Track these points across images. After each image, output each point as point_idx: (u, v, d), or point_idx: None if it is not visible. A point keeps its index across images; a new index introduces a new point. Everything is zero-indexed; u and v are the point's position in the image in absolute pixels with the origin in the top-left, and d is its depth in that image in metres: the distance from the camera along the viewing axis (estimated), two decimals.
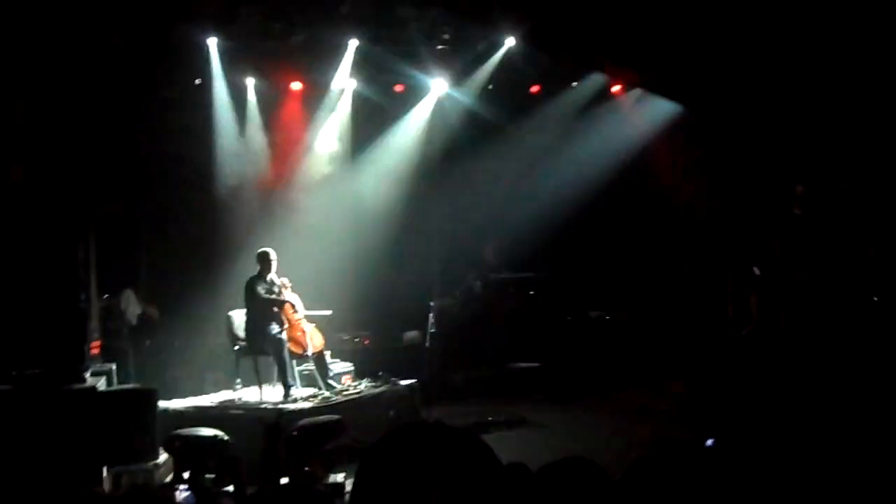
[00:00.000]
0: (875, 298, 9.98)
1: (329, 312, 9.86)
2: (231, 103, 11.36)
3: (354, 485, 2.23)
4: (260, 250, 9.47)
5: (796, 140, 11.59)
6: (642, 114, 12.89)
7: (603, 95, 12.93)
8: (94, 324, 8.88)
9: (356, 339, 11.35)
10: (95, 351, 8.68)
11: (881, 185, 10.75)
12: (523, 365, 11.96)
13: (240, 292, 9.42)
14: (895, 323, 9.42)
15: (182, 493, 6.63)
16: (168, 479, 7.30)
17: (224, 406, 9.02)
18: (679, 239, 12.91)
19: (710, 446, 3.95)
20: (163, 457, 7.54)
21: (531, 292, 12.45)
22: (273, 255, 9.40)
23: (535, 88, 12.80)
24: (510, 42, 11.61)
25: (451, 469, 2.20)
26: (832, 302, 10.13)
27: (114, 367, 8.54)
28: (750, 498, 3.25)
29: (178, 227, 11.37)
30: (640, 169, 13.05)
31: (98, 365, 8.34)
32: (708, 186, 12.64)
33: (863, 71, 10.62)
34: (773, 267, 11.07)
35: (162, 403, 8.30)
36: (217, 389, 9.79)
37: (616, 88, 13.00)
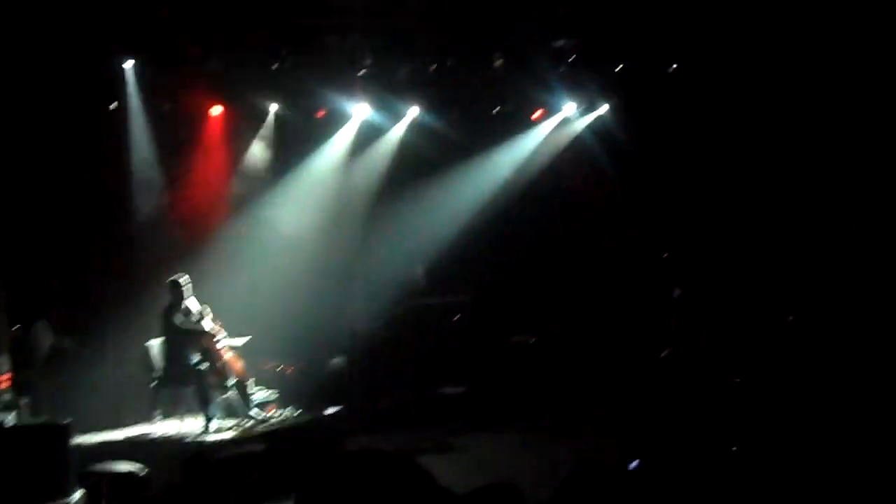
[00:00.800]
0: (790, 318, 10.27)
1: (248, 338, 9.67)
2: (148, 128, 11.12)
3: None
4: (170, 279, 9.26)
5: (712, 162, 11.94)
6: (563, 136, 13.12)
7: (523, 120, 13.11)
8: (4, 356, 8.55)
9: (279, 367, 11.16)
10: (5, 384, 8.34)
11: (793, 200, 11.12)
12: (450, 390, 11.93)
13: (156, 321, 9.20)
14: (816, 341, 9.69)
15: None
16: None
17: (142, 439, 8.77)
18: (600, 261, 13.11)
19: (633, 468, 3.98)
20: (77, 493, 7.25)
21: (456, 317, 12.44)
22: (184, 282, 9.20)
23: (456, 114, 12.89)
24: (432, 68, 11.66)
25: (391, 496, 2.16)
26: (749, 323, 10.38)
27: (25, 400, 8.22)
28: None
29: (94, 255, 11.03)
30: (561, 191, 13.27)
31: (8, 398, 8.02)
32: (626, 208, 12.91)
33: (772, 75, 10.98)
34: (693, 289, 11.30)
35: (77, 438, 8.02)
36: (135, 422, 9.52)
37: (536, 114, 13.20)
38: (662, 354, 11.41)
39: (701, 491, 3.60)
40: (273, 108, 11.92)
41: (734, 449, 5.34)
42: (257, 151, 12.10)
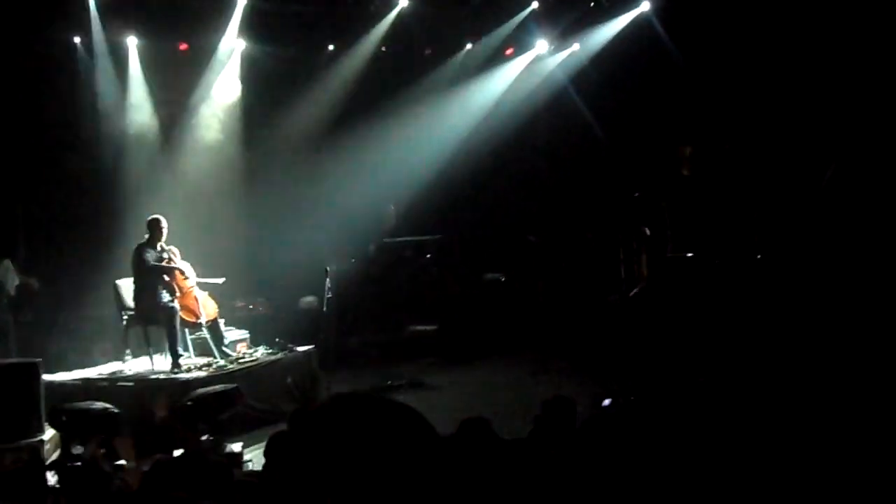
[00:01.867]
0: (759, 257, 10.35)
1: (222, 280, 9.63)
2: (113, 63, 10.87)
3: (267, 457, 2.16)
4: (151, 217, 9.14)
5: (684, 100, 11.90)
6: (535, 75, 13.03)
7: (496, 57, 12.99)
8: None
9: (251, 306, 11.14)
10: None
11: (767, 146, 11.13)
12: (422, 328, 12.00)
13: (126, 260, 9.10)
14: (780, 281, 9.78)
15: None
16: (55, 455, 7.03)
17: (113, 378, 8.73)
18: (571, 199, 13.13)
19: (606, 406, 4.04)
20: (49, 432, 7.24)
21: (427, 255, 12.45)
22: (164, 223, 9.10)
23: (428, 50, 12.75)
24: (403, 3, 11.50)
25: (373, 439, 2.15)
26: (719, 262, 10.45)
27: None
28: (647, 456, 3.33)
29: (59, 193, 10.87)
30: (532, 130, 13.23)
31: None
32: (597, 146, 12.90)
33: (752, 34, 10.94)
34: (663, 227, 11.35)
35: (47, 377, 7.96)
36: (106, 361, 9.48)
37: (509, 51, 13.08)
38: (632, 293, 11.51)
39: (673, 426, 3.66)
40: (241, 44, 11.66)
41: (701, 380, 5.42)
42: (225, 89, 11.86)
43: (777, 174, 10.81)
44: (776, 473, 3.85)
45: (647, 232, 11.67)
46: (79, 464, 6.35)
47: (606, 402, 3.96)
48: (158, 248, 9.07)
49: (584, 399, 5.08)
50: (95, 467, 6.03)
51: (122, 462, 6.30)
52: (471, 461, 2.96)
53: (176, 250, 9.21)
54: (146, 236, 9.05)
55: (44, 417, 7.22)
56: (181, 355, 8.85)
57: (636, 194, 11.78)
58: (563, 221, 13.04)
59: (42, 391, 7.41)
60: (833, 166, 9.28)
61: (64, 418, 6.94)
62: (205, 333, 9.28)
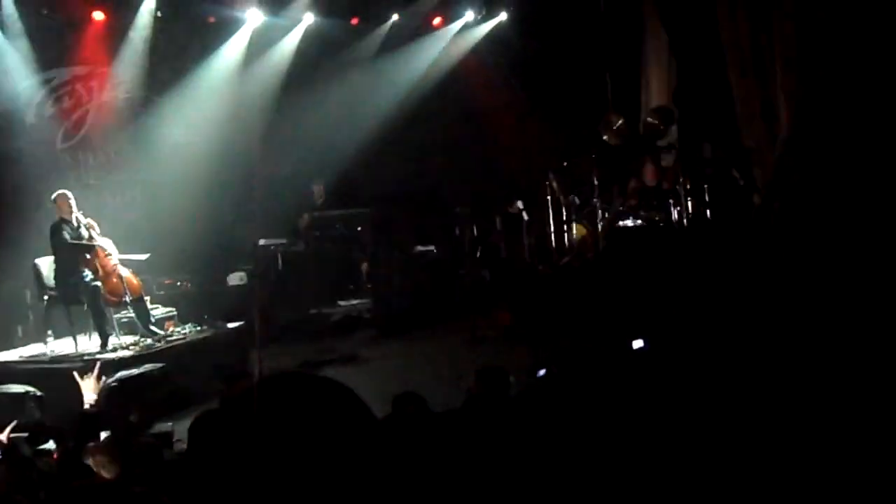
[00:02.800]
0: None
1: (146, 256, 9.39)
2: (24, 35, 10.43)
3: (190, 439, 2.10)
4: (56, 193, 8.85)
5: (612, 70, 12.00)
6: (462, 44, 13.00)
7: (423, 27, 12.91)
8: None
9: (178, 283, 10.90)
10: None
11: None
12: (353, 302, 11.93)
13: (44, 238, 8.82)
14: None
15: None
16: None
17: (35, 360, 8.49)
18: (499, 169, 13.18)
19: (541, 377, 4.05)
20: None
21: (359, 228, 12.35)
22: (70, 196, 8.82)
23: (355, 20, 12.59)
24: None
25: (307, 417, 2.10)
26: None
27: None
28: (580, 427, 3.34)
29: None
30: (461, 101, 13.21)
31: None
32: (526, 117, 12.95)
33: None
34: (590, 196, 11.45)
35: None
36: (27, 343, 9.21)
37: (437, 20, 13.00)
38: (562, 262, 11.62)
39: (604, 396, 3.69)
40: (158, 13, 11.32)
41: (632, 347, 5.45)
42: (144, 59, 11.50)
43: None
44: (710, 441, 3.91)
45: (576, 201, 11.79)
46: None
47: (541, 372, 3.96)
48: (75, 223, 8.79)
49: (517, 370, 5.08)
50: (15, 452, 5.85)
51: (47, 446, 6.12)
52: (404, 437, 2.92)
53: (94, 224, 8.94)
54: (56, 214, 8.78)
55: None
56: (108, 335, 8.65)
57: (565, 163, 11.89)
58: (492, 193, 13.08)
59: None
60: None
61: None
62: (130, 312, 9.06)
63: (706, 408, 4.14)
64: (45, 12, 10.67)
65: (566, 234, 11.93)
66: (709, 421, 3.99)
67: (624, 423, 3.59)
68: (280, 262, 11.69)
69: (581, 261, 11.29)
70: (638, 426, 3.63)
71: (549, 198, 11.94)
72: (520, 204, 12.00)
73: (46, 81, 10.84)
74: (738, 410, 4.21)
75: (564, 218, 11.92)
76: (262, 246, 11.54)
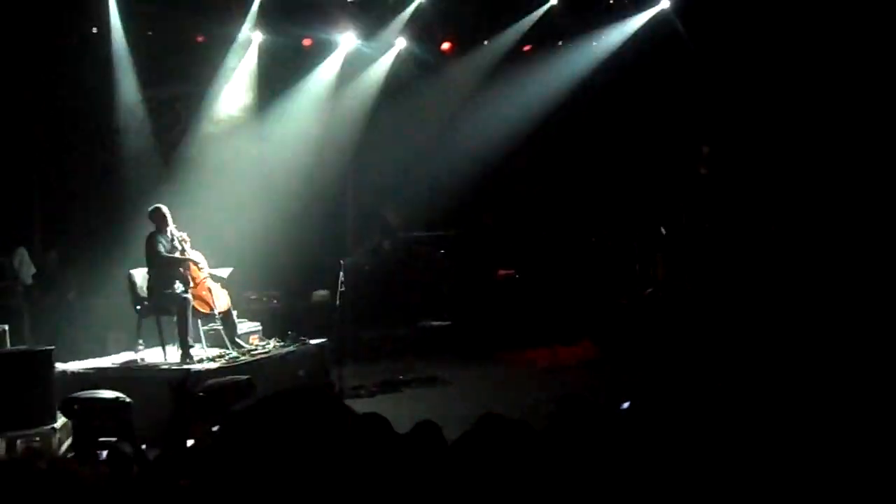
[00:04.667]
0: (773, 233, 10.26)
1: (228, 272, 9.56)
2: (131, 54, 10.87)
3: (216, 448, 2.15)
4: (152, 207, 9.12)
5: (702, 101, 11.83)
6: (553, 72, 12.95)
7: (514, 53, 12.92)
8: None
9: (264, 298, 11.13)
10: None
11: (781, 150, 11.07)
12: (434, 323, 11.96)
13: (139, 250, 9.10)
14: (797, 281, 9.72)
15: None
16: (67, 443, 7.03)
17: (126, 367, 8.72)
18: (588, 198, 13.07)
19: (624, 409, 3.98)
20: (61, 420, 7.25)
21: (442, 251, 12.42)
22: (166, 211, 9.08)
23: (446, 45, 12.70)
24: None
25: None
26: (735, 261, 10.39)
27: (6, 328, 8.15)
28: (660, 459, 3.28)
29: (76, 182, 10.89)
30: (548, 128, 13.15)
31: None
32: (616, 146, 12.83)
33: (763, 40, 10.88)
34: (680, 227, 11.30)
35: (60, 366, 7.97)
36: (119, 350, 9.48)
37: (527, 48, 13.00)
38: (646, 292, 11.45)
39: (689, 431, 3.61)
40: (258, 36, 11.66)
41: (719, 385, 5.37)
42: (242, 80, 11.85)
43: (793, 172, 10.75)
44: (790, 477, 3.81)
45: (664, 232, 11.62)
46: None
47: (625, 404, 3.90)
48: (170, 236, 9.05)
49: (600, 398, 5.03)
50: (118, 452, 6.01)
51: (143, 447, 6.26)
52: (485, 456, 2.92)
53: (187, 237, 9.19)
54: (153, 226, 9.04)
55: (56, 406, 7.23)
56: (192, 346, 8.84)
57: (652, 195, 11.74)
58: (580, 220, 12.99)
59: (54, 379, 7.43)
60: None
61: (76, 407, 6.93)
62: (218, 325, 9.27)
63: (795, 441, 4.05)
64: (150, 33, 11.10)
65: (655, 263, 11.75)
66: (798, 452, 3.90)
67: (706, 458, 3.52)
68: (364, 280, 11.81)
69: (665, 293, 11.11)
70: (720, 461, 3.56)
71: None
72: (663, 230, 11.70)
73: (149, 99, 11.24)
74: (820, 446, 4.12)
75: (651, 249, 11.76)
76: (347, 264, 11.67)
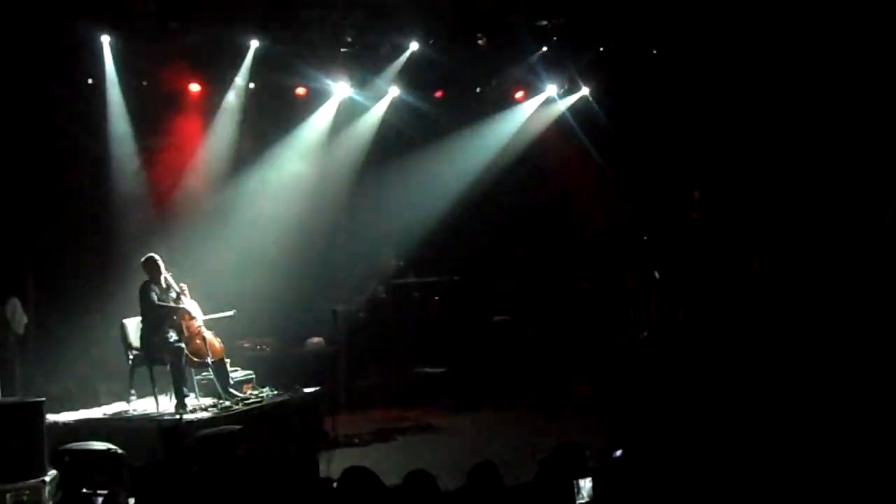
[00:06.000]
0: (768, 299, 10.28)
1: (232, 312, 9.55)
2: (125, 105, 10.95)
3: None
4: (145, 257, 9.13)
5: (692, 144, 11.93)
6: (544, 118, 13.09)
7: (505, 100, 13.06)
8: None
9: (257, 347, 11.08)
10: None
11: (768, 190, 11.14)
12: (430, 370, 11.90)
13: (133, 300, 9.08)
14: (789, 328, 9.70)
15: None
16: (58, 496, 6.94)
17: (118, 418, 8.68)
18: (580, 242, 13.10)
19: (618, 457, 3.96)
20: (51, 473, 7.17)
21: (436, 297, 12.40)
22: (158, 259, 9.09)
23: (439, 93, 12.83)
24: (414, 46, 11.59)
25: None
26: (731, 305, 10.38)
27: None
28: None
29: (69, 232, 10.88)
30: (541, 174, 13.25)
31: None
32: (608, 190, 12.90)
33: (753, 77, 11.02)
34: (673, 270, 11.29)
35: (51, 417, 7.92)
36: (111, 401, 9.42)
37: (519, 94, 13.14)
38: (641, 336, 11.41)
39: (684, 477, 3.58)
40: (252, 86, 11.76)
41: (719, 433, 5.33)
42: (235, 130, 11.92)
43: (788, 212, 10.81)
44: None
45: (657, 275, 11.62)
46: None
47: (618, 452, 3.87)
48: (164, 285, 9.04)
49: (594, 446, 5.00)
50: (114, 500, 5.93)
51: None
52: None
53: (185, 287, 9.19)
54: (146, 277, 9.04)
55: (46, 458, 7.16)
56: (186, 395, 8.80)
57: (645, 238, 11.77)
58: (571, 265, 13.00)
59: (45, 431, 7.36)
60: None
61: (67, 459, 6.88)
62: (210, 374, 9.23)
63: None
64: (145, 83, 11.20)
65: (649, 307, 11.74)
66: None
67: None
68: (358, 328, 11.78)
69: (659, 335, 11.08)
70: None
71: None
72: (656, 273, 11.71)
73: (143, 149, 11.30)
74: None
75: (645, 291, 11.74)
76: (341, 312, 11.66)
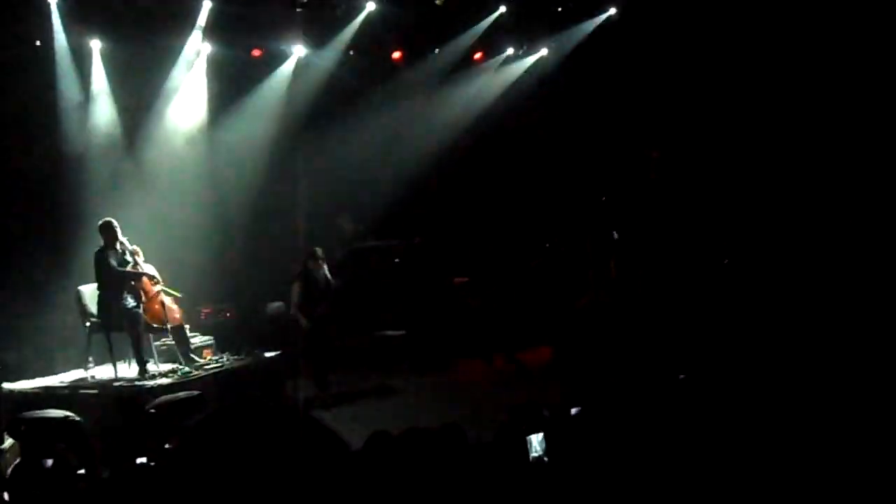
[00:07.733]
0: (725, 261, 10.42)
1: (180, 295, 9.45)
2: (74, 66, 10.68)
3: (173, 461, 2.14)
4: (102, 221, 8.98)
5: (651, 106, 11.98)
6: (503, 79, 13.06)
7: (464, 62, 12.99)
8: None
9: (217, 312, 11.00)
10: None
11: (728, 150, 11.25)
12: (390, 333, 11.93)
13: (89, 265, 8.94)
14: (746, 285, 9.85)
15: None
16: (14, 464, 6.88)
17: (75, 386, 8.59)
18: (539, 203, 13.15)
19: (575, 414, 4.01)
20: (8, 442, 7.10)
21: (396, 260, 12.39)
22: (116, 224, 8.94)
23: (396, 55, 12.71)
24: (370, 6, 11.45)
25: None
26: (685, 265, 10.51)
27: None
28: (613, 463, 3.30)
29: (20, 196, 10.64)
30: (500, 134, 13.24)
31: None
32: (567, 151, 12.94)
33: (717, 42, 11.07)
34: (631, 231, 11.39)
35: (6, 385, 7.82)
36: (68, 369, 9.32)
37: (478, 55, 13.08)
38: (599, 296, 11.53)
39: (640, 432, 3.64)
40: (206, 47, 11.54)
41: (679, 378, 5.40)
42: (191, 91, 11.71)
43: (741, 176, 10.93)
44: (762, 469, 3.84)
45: (615, 236, 11.72)
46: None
47: (575, 410, 3.93)
48: (120, 250, 8.91)
49: (552, 405, 5.04)
50: (59, 476, 5.89)
51: (82, 471, 6.16)
52: (441, 469, 2.92)
53: (139, 250, 9.06)
54: (102, 241, 8.89)
55: (3, 427, 7.08)
56: (147, 361, 8.73)
57: (603, 198, 11.84)
58: (531, 226, 13.06)
59: (1, 400, 7.28)
60: None
61: (23, 427, 6.79)
62: (170, 339, 9.16)
63: (746, 447, 4.08)
64: (97, 43, 10.93)
65: (608, 268, 11.83)
66: (751, 457, 3.94)
67: (657, 466, 3.55)
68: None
69: (616, 297, 11.20)
70: (671, 465, 3.59)
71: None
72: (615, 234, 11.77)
73: (95, 111, 11.06)
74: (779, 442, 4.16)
75: (604, 252, 11.84)
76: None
